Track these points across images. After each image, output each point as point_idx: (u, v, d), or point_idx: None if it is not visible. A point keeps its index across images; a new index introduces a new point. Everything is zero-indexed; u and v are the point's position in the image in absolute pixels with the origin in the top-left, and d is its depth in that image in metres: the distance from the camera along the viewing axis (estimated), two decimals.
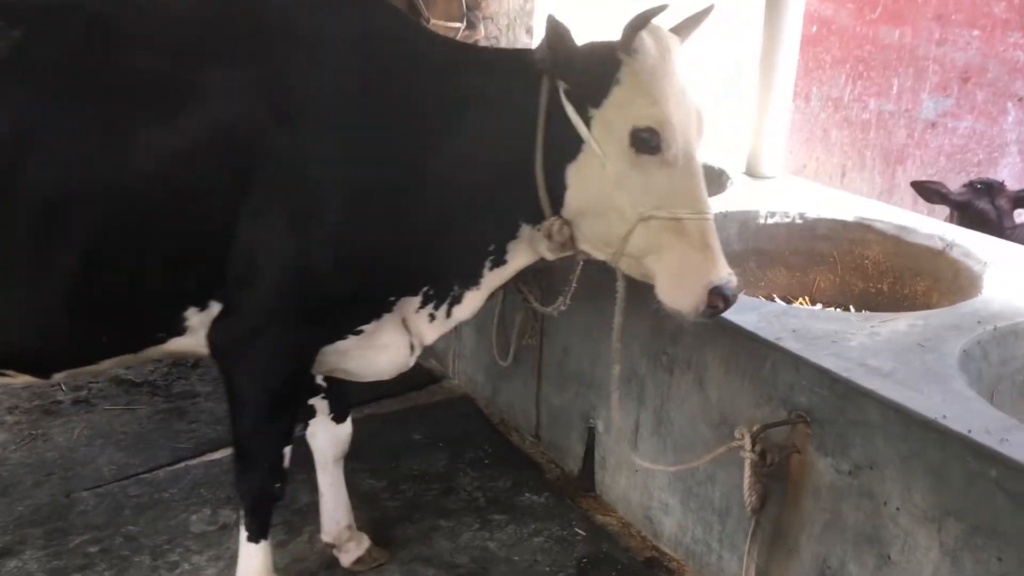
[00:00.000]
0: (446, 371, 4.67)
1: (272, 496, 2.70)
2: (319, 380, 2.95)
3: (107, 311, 2.35)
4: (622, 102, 2.28)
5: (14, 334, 2.38)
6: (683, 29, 2.46)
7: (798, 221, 4.01)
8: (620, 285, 2.66)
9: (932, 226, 3.81)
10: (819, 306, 3.89)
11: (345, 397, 3.05)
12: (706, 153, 4.81)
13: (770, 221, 4.02)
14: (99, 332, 2.40)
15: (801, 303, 3.93)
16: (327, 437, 3.06)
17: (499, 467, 3.83)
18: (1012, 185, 4.69)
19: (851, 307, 3.84)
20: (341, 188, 2.36)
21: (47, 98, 2.22)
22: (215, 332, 2.45)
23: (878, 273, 3.86)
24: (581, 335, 3.63)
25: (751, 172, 4.56)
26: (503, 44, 6.06)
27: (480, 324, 4.22)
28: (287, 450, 2.66)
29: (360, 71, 2.40)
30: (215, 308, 2.45)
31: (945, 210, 4.54)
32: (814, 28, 7.20)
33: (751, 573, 2.75)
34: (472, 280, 2.61)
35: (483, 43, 5.93)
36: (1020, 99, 6.11)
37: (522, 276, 3.17)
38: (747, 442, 2.69)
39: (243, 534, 2.77)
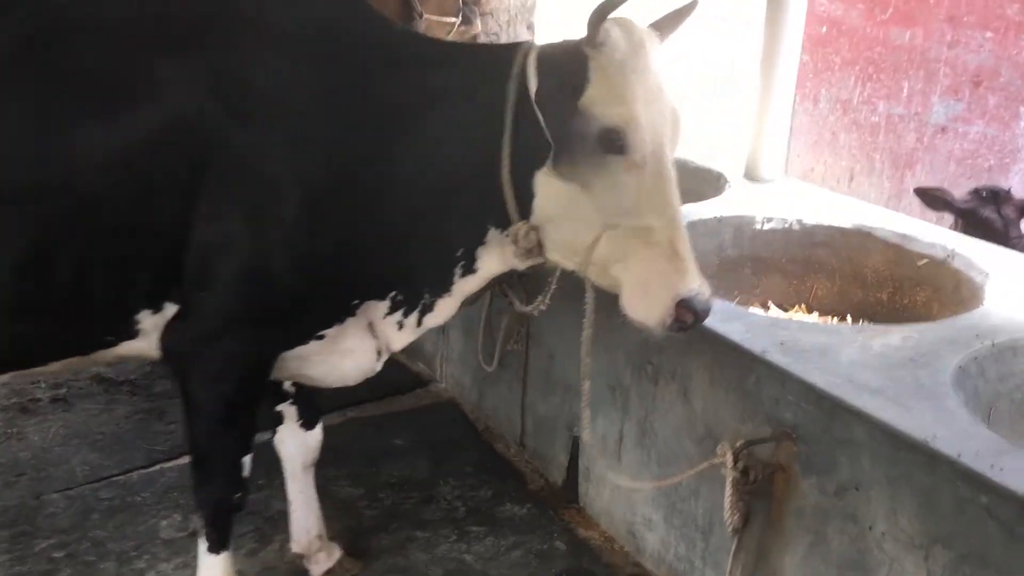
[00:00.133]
0: (434, 375, 4.55)
1: (232, 506, 2.59)
2: (286, 385, 2.84)
3: (49, 313, 2.25)
4: (592, 99, 2.16)
5: None
6: (664, 25, 2.34)
7: (796, 227, 3.88)
8: (589, 296, 2.53)
9: (934, 235, 3.67)
10: (815, 315, 3.76)
11: (315, 403, 2.94)
12: (705, 155, 4.76)
13: (767, 227, 3.89)
14: (41, 334, 2.30)
15: (797, 312, 3.80)
16: (296, 444, 2.96)
17: (481, 476, 3.72)
18: (1021, 193, 4.54)
19: (848, 317, 3.70)
20: (298, 186, 2.25)
21: None
22: (167, 336, 2.35)
23: (878, 282, 3.72)
24: (567, 342, 3.51)
25: (750, 175, 4.43)
26: (503, 40, 5.93)
27: (467, 327, 4.12)
28: (247, 459, 2.56)
29: (318, 64, 2.29)
30: (170, 310, 2.35)
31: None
32: (823, 29, 7.06)
33: None
34: (442, 287, 2.49)
35: (482, 39, 5.82)
36: None
37: (507, 278, 3.06)
38: (729, 459, 2.56)
39: (202, 545, 2.67)
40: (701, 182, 4.53)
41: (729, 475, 2.55)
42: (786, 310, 3.82)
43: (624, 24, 2.19)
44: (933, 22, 6.24)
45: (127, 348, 2.41)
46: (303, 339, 2.47)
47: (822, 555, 2.49)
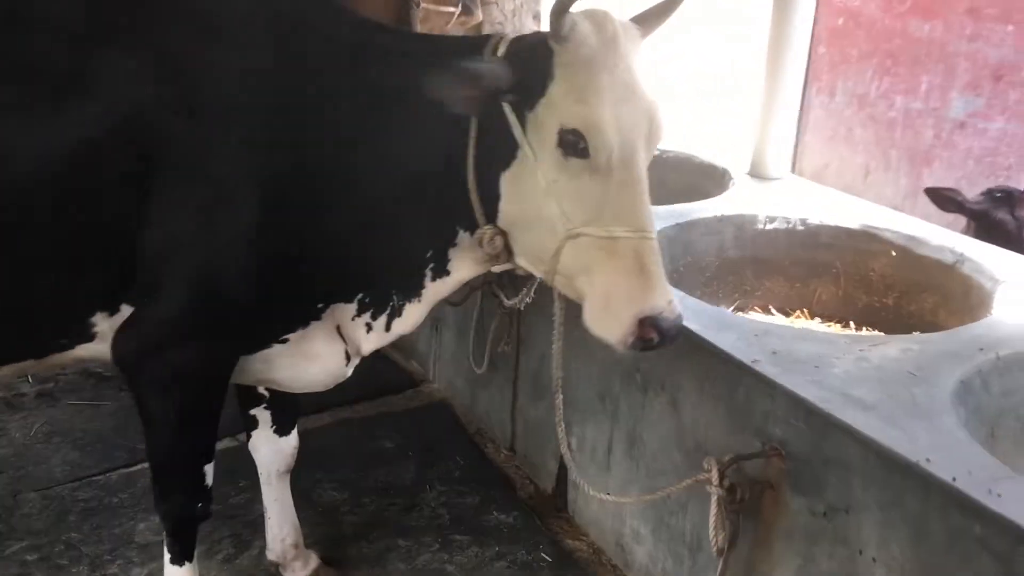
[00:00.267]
0: (427, 374, 4.44)
1: (194, 517, 2.49)
2: (260, 388, 2.74)
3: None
4: (552, 99, 2.03)
5: None
6: (648, 19, 2.20)
7: (799, 228, 3.73)
8: (557, 306, 2.41)
9: (944, 237, 3.51)
10: (817, 320, 3.62)
11: (291, 408, 2.84)
12: (712, 150, 4.61)
13: (769, 227, 3.74)
14: None
15: (799, 317, 3.66)
16: (270, 450, 2.86)
17: (469, 482, 3.61)
18: None
19: (851, 323, 3.56)
20: (252, 186, 2.14)
21: None
22: (118, 341, 2.24)
23: (884, 286, 3.58)
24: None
25: (756, 173, 4.29)
26: (508, 31, 5.80)
27: (461, 328, 4.01)
28: (208, 468, 2.46)
29: (272, 55, 2.18)
30: (128, 312, 2.24)
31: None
32: (840, 20, 6.87)
33: None
34: (412, 290, 2.37)
35: (487, 29, 5.68)
36: None
37: (496, 276, 2.94)
38: (715, 475, 2.44)
39: (166, 556, 2.57)
40: (705, 178, 4.40)
41: (714, 492, 2.43)
42: (788, 314, 3.68)
43: (596, 17, 2.05)
44: (953, 14, 6.04)
45: (84, 351, 2.31)
46: (263, 344, 2.36)
47: None
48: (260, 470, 2.93)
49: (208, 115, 2.12)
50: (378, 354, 4.26)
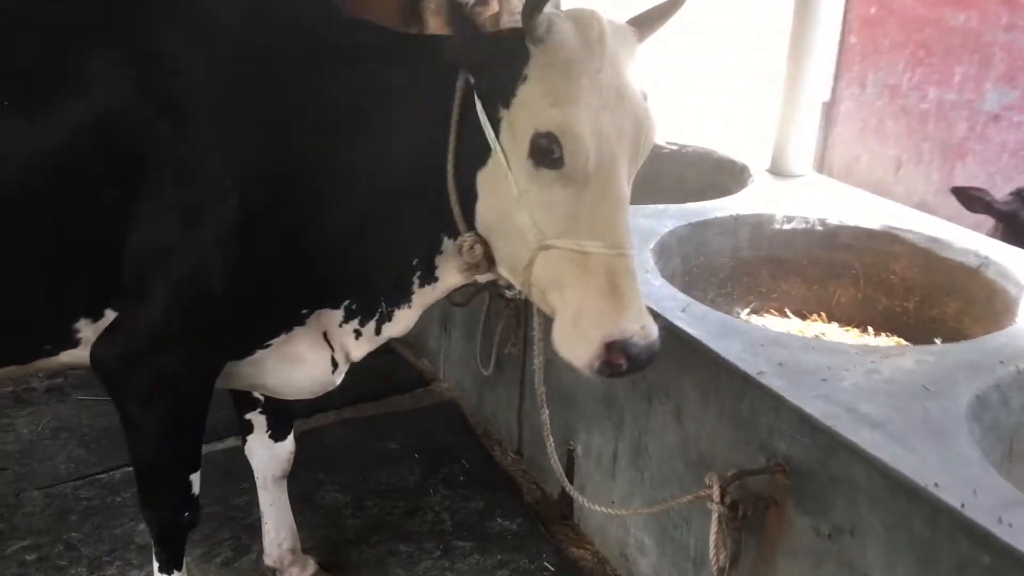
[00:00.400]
0: (437, 373, 4.38)
1: (181, 526, 2.44)
2: (255, 392, 2.68)
3: None
4: (527, 101, 1.92)
5: None
6: (647, 21, 2.07)
7: (818, 228, 3.61)
8: (536, 321, 2.32)
9: (968, 239, 3.38)
10: (835, 325, 3.50)
11: (286, 413, 2.78)
12: (730, 146, 4.49)
13: (787, 227, 3.63)
14: None
15: (816, 320, 3.54)
16: (266, 455, 2.81)
17: (474, 486, 3.54)
18: None
19: (870, 328, 3.44)
20: (236, 187, 2.07)
21: None
22: (98, 348, 2.18)
23: (905, 290, 3.45)
24: None
25: (776, 170, 4.16)
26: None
27: (469, 327, 3.93)
28: (194, 476, 2.40)
29: (254, 55, 2.10)
30: (112, 318, 2.19)
31: None
32: (872, 9, 6.68)
33: None
34: (401, 297, 2.29)
35: (505, 20, 5.58)
36: None
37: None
38: (716, 492, 2.35)
39: (154, 564, 2.53)
40: (724, 175, 4.28)
41: (715, 509, 2.34)
42: (804, 317, 3.57)
43: (581, 17, 1.93)
44: (989, 4, 5.84)
45: (69, 357, 2.26)
46: (247, 349, 2.30)
47: None
48: (256, 475, 2.88)
49: (192, 118, 2.05)
50: (387, 352, 4.26)
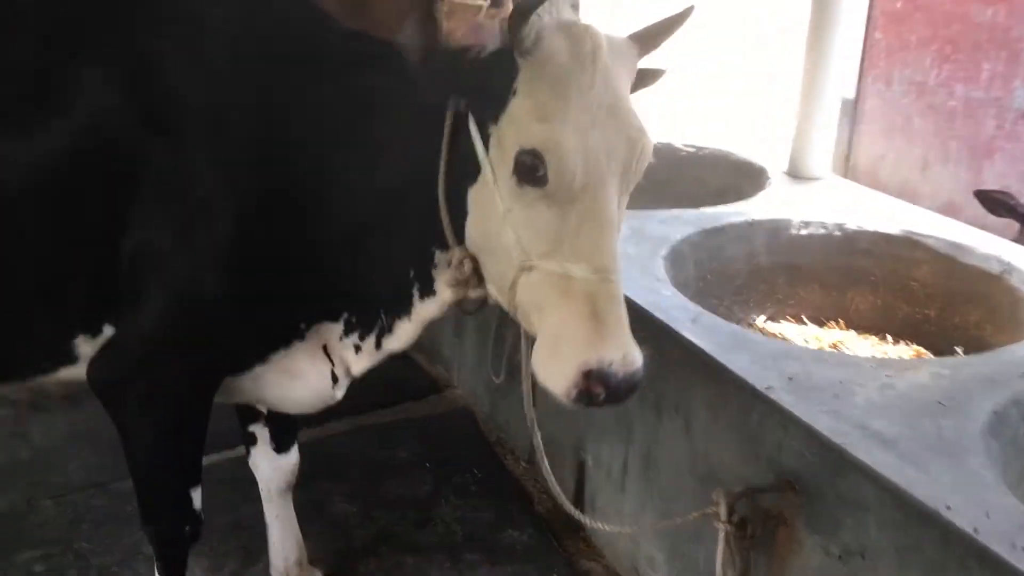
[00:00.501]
0: (451, 380, 4.34)
1: (182, 540, 2.42)
2: (259, 405, 2.66)
3: None
4: (515, 116, 1.85)
5: None
6: (649, 36, 1.99)
7: (836, 233, 3.53)
8: (524, 344, 2.26)
9: (991, 245, 3.29)
10: (853, 333, 3.42)
11: (290, 426, 2.76)
12: (748, 148, 4.41)
13: (804, 232, 3.55)
14: None
15: (834, 328, 3.46)
16: (270, 468, 2.79)
17: (485, 496, 3.50)
18: None
19: (888, 336, 3.36)
20: (228, 200, 2.04)
21: None
22: (93, 366, 2.17)
23: (925, 297, 3.36)
24: None
25: (794, 172, 4.09)
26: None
27: (481, 334, 3.89)
28: (194, 491, 2.38)
29: (245, 64, 2.07)
30: (109, 334, 2.17)
31: None
32: (898, 4, 6.55)
33: None
34: (401, 309, 2.25)
35: None
36: None
37: None
38: (723, 510, 2.29)
39: None
40: (742, 177, 4.21)
41: (722, 528, 2.28)
42: (822, 324, 3.49)
43: (573, 31, 1.87)
44: None
45: (68, 374, 2.25)
46: (246, 364, 2.27)
47: None
48: (261, 487, 2.86)
49: (183, 132, 2.03)
50: (402, 357, 4.22)
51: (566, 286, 1.81)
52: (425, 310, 2.24)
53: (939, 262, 3.33)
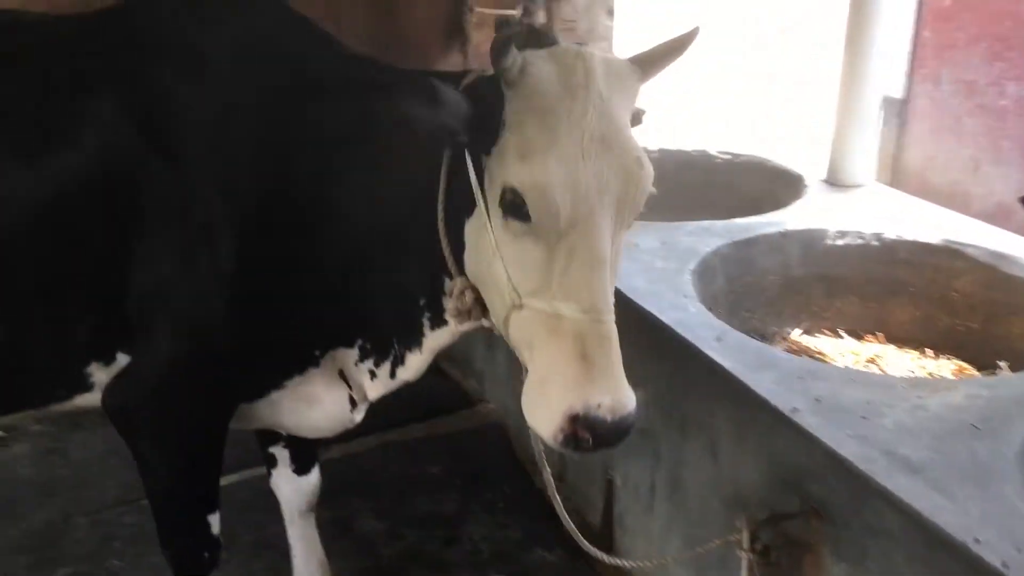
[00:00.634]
0: (483, 393, 4.30)
1: (201, 566, 2.41)
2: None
3: None
4: (502, 150, 1.78)
5: None
6: (653, 59, 1.90)
7: (874, 243, 3.42)
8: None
9: None
10: (892, 347, 3.31)
11: (309, 447, 2.74)
12: (784, 154, 4.31)
13: (840, 242, 3.45)
14: None
15: (871, 340, 3.36)
16: (290, 489, 2.78)
17: (514, 513, 3.45)
18: None
19: (928, 350, 3.24)
20: (232, 229, 2.03)
21: None
22: (108, 393, 2.17)
23: (967, 308, 3.24)
24: None
25: (832, 180, 3.97)
26: (581, 27, 5.56)
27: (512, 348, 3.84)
28: (212, 517, 2.36)
29: (249, 92, 2.05)
30: (124, 362, 2.18)
31: None
32: (947, 2, 6.38)
33: None
34: (413, 339, 2.21)
35: (558, 27, 5.47)
36: None
37: None
38: (745, 537, 2.22)
39: None
40: (779, 185, 4.11)
41: (744, 557, 2.21)
42: (860, 337, 3.39)
43: (563, 57, 1.76)
44: None
45: (84, 400, 2.25)
46: (261, 391, 2.26)
47: None
48: (283, 508, 2.85)
49: (187, 160, 2.02)
50: (435, 372, 4.20)
51: (556, 325, 1.73)
52: (437, 339, 2.20)
53: (981, 272, 3.21)
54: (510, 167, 1.73)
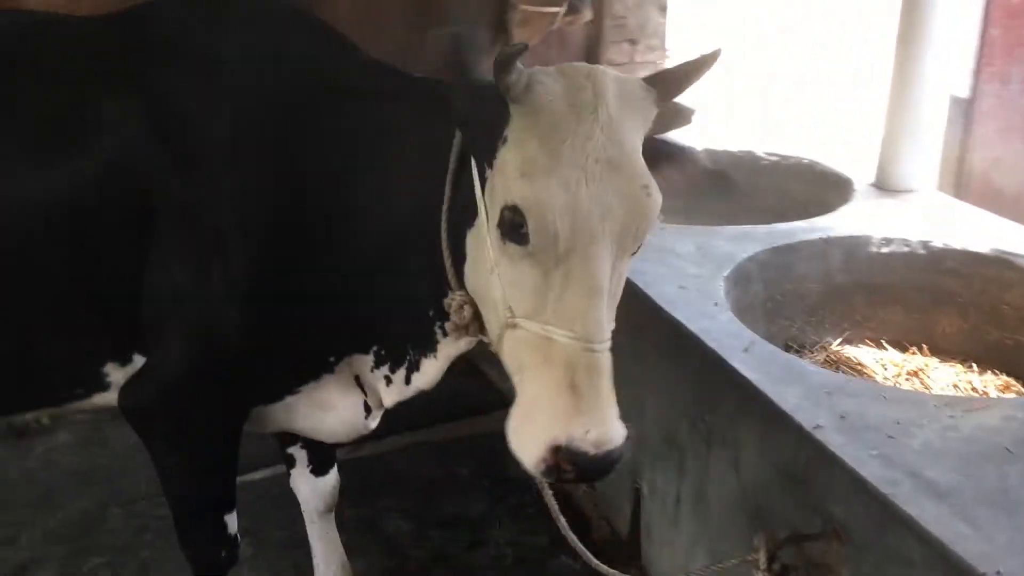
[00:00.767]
0: None
1: (218, 565, 2.42)
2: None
3: (4, 366, 2.14)
4: (503, 166, 1.72)
5: None
6: (669, 81, 1.81)
7: (921, 251, 3.30)
8: None
9: None
10: (936, 359, 3.18)
11: (327, 449, 2.73)
12: (832, 156, 4.18)
13: (885, 250, 3.33)
14: (2, 386, 2.20)
15: (915, 352, 3.23)
16: (309, 490, 2.78)
17: (541, 518, 3.38)
18: None
19: (974, 364, 3.11)
20: (246, 238, 2.02)
21: None
22: (123, 393, 2.18)
23: (1018, 321, 3.10)
24: (627, 384, 3.14)
25: (882, 184, 3.83)
26: (632, 24, 5.49)
27: None
28: (229, 517, 2.37)
29: (265, 100, 2.04)
30: (140, 363, 2.19)
31: None
32: None
33: None
34: (427, 346, 2.18)
35: (608, 24, 5.40)
36: None
37: None
38: (762, 557, 2.16)
39: None
40: (827, 188, 3.99)
41: None
42: (904, 348, 3.26)
43: (573, 76, 1.70)
44: None
45: (102, 399, 2.27)
46: (275, 396, 2.26)
47: None
48: (303, 508, 2.85)
49: (200, 165, 2.02)
50: (473, 373, 4.18)
51: (547, 351, 1.67)
52: (451, 347, 2.16)
53: None
54: (511, 184, 1.67)
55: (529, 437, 1.68)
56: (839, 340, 3.32)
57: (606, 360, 1.68)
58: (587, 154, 1.64)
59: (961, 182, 6.21)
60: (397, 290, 2.09)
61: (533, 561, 3.21)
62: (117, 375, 2.20)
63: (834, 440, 2.15)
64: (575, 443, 1.61)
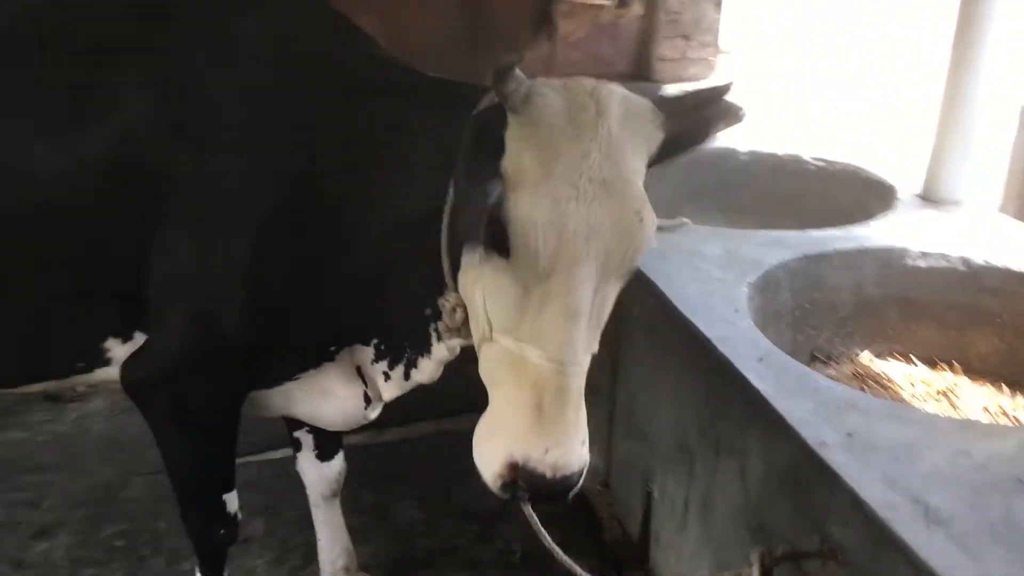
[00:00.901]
0: None
1: (218, 543, 2.45)
2: None
3: (7, 338, 2.18)
4: (502, 173, 1.68)
5: None
6: (681, 107, 1.77)
7: (960, 267, 3.18)
8: None
9: None
10: (967, 379, 3.07)
11: (334, 435, 2.74)
12: (876, 163, 4.05)
13: (921, 264, 3.22)
14: (5, 359, 2.24)
15: (945, 370, 3.13)
16: (315, 474, 2.80)
17: (552, 517, 3.33)
18: None
19: (1004, 385, 3.00)
20: (251, 220, 2.02)
21: None
22: (126, 370, 2.20)
23: None
24: (644, 385, 3.10)
25: (928, 195, 3.71)
26: (686, 19, 5.40)
27: None
28: (228, 496, 2.40)
29: (280, 86, 2.04)
30: (141, 340, 2.21)
31: None
32: None
33: None
34: (421, 345, 2.18)
35: (662, 19, 5.32)
36: None
37: None
38: (756, 572, 2.10)
39: (196, 574, 2.57)
40: (871, 196, 3.88)
41: None
42: (934, 366, 3.16)
43: (575, 91, 1.68)
44: None
45: (105, 374, 2.29)
46: (274, 381, 2.27)
47: None
48: (308, 492, 2.87)
49: (210, 148, 2.02)
50: None
51: (519, 368, 1.65)
52: (442, 351, 2.17)
53: None
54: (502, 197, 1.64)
55: (490, 452, 1.68)
56: (868, 353, 3.23)
57: (577, 383, 1.66)
58: (581, 172, 1.61)
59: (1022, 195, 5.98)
60: (399, 285, 2.09)
61: (539, 559, 3.15)
62: (118, 351, 2.22)
63: (837, 459, 2.08)
64: (532, 463, 1.61)
